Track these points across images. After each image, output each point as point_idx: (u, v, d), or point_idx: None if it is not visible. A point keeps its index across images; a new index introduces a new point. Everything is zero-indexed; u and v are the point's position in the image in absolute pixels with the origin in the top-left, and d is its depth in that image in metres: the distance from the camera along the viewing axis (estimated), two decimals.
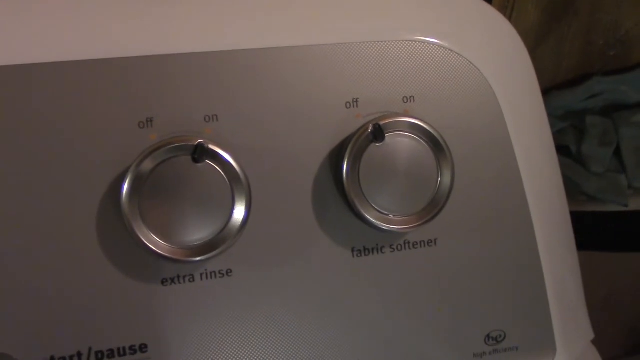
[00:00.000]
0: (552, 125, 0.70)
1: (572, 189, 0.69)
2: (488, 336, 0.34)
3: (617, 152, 0.70)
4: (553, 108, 0.71)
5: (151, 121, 0.29)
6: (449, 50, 0.33)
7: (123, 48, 0.28)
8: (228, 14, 0.30)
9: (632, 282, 0.80)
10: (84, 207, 0.28)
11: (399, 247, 0.32)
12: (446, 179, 0.30)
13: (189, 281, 0.29)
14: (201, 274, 0.30)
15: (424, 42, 0.32)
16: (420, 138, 0.30)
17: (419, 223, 0.30)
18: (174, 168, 0.27)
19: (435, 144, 0.30)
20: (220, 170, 0.28)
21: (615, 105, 0.72)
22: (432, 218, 0.30)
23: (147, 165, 0.27)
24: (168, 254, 0.27)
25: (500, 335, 0.34)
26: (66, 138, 0.28)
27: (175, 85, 0.29)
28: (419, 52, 0.32)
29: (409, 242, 0.32)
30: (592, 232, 0.68)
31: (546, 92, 0.72)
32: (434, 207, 0.30)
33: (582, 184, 0.68)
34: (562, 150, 0.71)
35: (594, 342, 0.51)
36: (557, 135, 0.71)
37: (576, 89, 0.71)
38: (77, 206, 0.28)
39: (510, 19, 0.66)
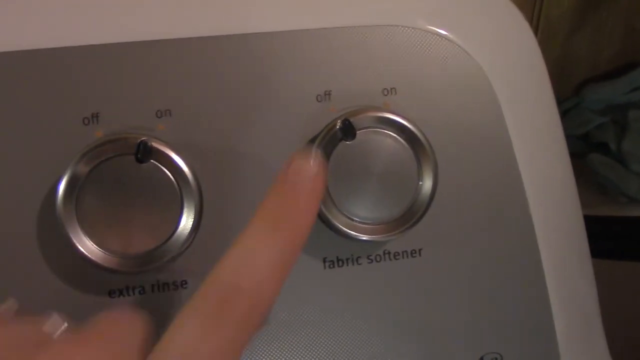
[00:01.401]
0: (590, 121, 0.65)
1: (612, 190, 0.64)
2: None
3: None
4: (591, 102, 0.66)
5: (97, 117, 0.26)
6: (441, 37, 0.29)
7: (66, 37, 0.26)
8: None
9: None
10: (24, 213, 0.26)
11: (378, 258, 0.28)
12: (427, 182, 0.27)
13: (139, 293, 0.27)
14: (152, 286, 0.27)
15: (409, 27, 0.29)
16: (398, 136, 0.27)
17: (394, 232, 0.27)
18: (116, 169, 0.25)
19: (416, 143, 0.27)
20: (167, 172, 0.25)
21: None
22: (410, 227, 0.27)
23: (85, 165, 0.25)
24: (107, 264, 0.25)
25: (496, 359, 0.30)
26: (3, 135, 0.25)
27: (123, 77, 0.26)
28: (403, 38, 0.28)
29: (389, 253, 0.28)
30: (635, 239, 0.62)
31: (584, 84, 0.67)
32: (412, 215, 0.27)
33: (621, 185, 0.62)
34: (600, 147, 0.65)
35: (632, 358, 0.46)
36: (596, 131, 0.66)
37: (618, 81, 0.65)
38: (16, 212, 0.26)
39: (541, 4, 0.60)
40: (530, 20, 0.63)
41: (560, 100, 0.68)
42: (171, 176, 0.25)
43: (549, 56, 0.66)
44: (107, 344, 0.18)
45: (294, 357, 0.28)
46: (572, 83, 0.67)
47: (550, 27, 0.63)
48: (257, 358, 0.28)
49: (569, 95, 0.68)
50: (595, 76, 0.67)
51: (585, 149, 0.66)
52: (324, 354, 0.28)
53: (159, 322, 0.27)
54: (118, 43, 0.26)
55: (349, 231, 0.26)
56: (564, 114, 0.67)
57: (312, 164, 0.20)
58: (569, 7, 0.62)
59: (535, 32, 0.63)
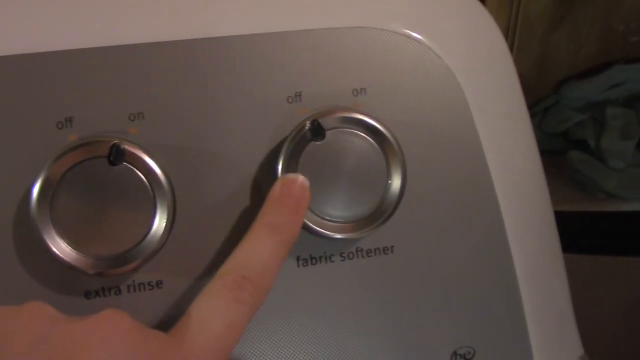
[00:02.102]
0: (569, 118, 0.66)
1: (591, 187, 0.65)
2: (455, 353, 0.30)
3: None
4: (570, 99, 0.67)
5: (70, 121, 0.26)
6: (411, 39, 0.30)
7: (39, 42, 0.26)
8: (154, 2, 0.28)
9: None
10: None
11: (350, 255, 0.29)
12: (396, 181, 0.27)
13: (115, 293, 0.27)
14: (128, 286, 0.27)
15: (380, 29, 0.29)
16: (367, 135, 0.27)
17: (364, 230, 0.27)
18: (89, 172, 0.25)
19: (384, 143, 0.27)
20: (140, 174, 0.26)
21: (638, 95, 0.66)
22: (380, 224, 0.27)
23: (59, 169, 0.25)
24: (82, 265, 0.25)
25: (469, 352, 0.31)
26: None
27: (96, 81, 0.27)
28: (373, 40, 0.29)
29: (361, 250, 0.29)
30: (614, 234, 0.63)
31: (563, 82, 0.68)
32: (382, 213, 0.27)
33: (600, 181, 0.63)
34: (579, 144, 0.66)
35: (611, 353, 0.47)
36: (575, 128, 0.67)
37: (595, 79, 0.66)
38: None
39: (519, 3, 0.61)
40: (508, 19, 0.63)
41: (540, 98, 0.69)
42: (144, 178, 0.26)
43: (528, 55, 0.67)
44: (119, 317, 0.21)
45: (269, 354, 0.28)
46: (552, 81, 0.68)
47: (528, 26, 0.64)
48: (232, 355, 0.28)
49: (549, 93, 0.69)
50: (574, 74, 0.68)
51: (565, 146, 0.67)
52: (299, 350, 0.29)
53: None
54: (90, 48, 0.27)
55: (320, 229, 0.27)
56: (544, 111, 0.68)
57: (301, 178, 0.26)
58: (547, 7, 0.63)
59: (514, 31, 0.64)
